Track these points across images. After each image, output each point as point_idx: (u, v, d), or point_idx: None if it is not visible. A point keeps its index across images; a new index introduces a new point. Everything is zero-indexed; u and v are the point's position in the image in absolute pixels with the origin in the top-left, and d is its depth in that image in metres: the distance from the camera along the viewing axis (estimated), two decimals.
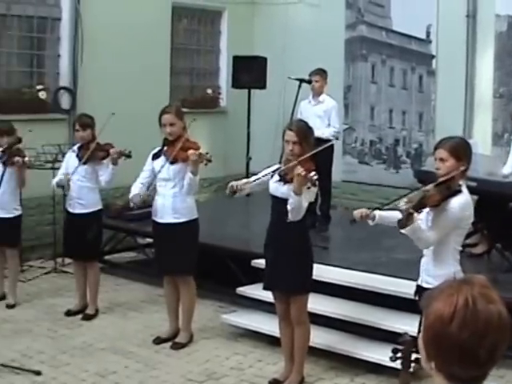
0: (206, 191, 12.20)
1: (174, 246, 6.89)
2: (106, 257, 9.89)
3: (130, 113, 11.00)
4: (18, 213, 8.27)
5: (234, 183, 6.16)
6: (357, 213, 5.40)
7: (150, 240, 9.17)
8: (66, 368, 6.61)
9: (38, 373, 6.42)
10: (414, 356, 3.06)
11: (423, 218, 5.12)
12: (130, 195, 7.03)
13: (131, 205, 7.12)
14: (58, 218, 9.41)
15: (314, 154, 5.89)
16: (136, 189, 7.00)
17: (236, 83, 12.24)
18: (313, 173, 5.53)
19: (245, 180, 6.33)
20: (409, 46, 11.89)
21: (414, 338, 2.64)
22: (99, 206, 7.97)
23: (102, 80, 11.16)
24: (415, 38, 11.76)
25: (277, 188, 5.91)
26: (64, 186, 7.82)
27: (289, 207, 5.66)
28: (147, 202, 7.15)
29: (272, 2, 13.16)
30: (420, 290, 5.29)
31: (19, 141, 7.59)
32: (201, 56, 13.46)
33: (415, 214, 4.88)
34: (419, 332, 2.24)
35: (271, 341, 7.00)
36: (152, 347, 7.13)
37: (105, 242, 9.41)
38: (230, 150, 12.47)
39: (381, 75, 12.28)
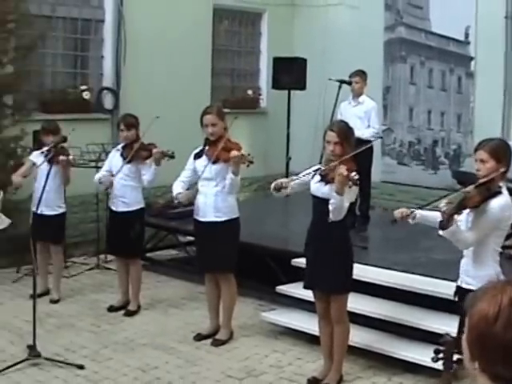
0: (246, 190, 12.30)
1: (215, 244, 6.98)
2: (148, 254, 10.01)
3: (172, 113, 11.14)
4: (62, 210, 8.43)
5: (281, 180, 6.25)
6: (397, 212, 5.46)
7: (190, 238, 9.28)
8: (109, 362, 6.72)
9: (81, 367, 6.53)
10: (455, 357, 3.10)
11: (463, 219, 5.15)
12: (174, 193, 7.11)
13: (175, 202, 7.21)
14: (102, 216, 9.58)
15: (354, 154, 5.95)
16: (178, 187, 7.10)
17: (276, 84, 12.34)
18: (354, 172, 5.59)
19: (289, 178, 6.41)
20: (447, 47, 11.89)
21: (456, 339, 2.68)
22: (142, 205, 8.08)
23: (145, 80, 11.31)
24: (454, 39, 11.75)
25: (318, 188, 5.96)
26: (104, 183, 7.93)
27: (330, 207, 5.71)
28: (191, 200, 7.24)
29: (312, 3, 13.23)
30: (460, 290, 5.32)
31: (65, 140, 7.70)
32: (241, 57, 13.57)
33: (455, 216, 4.92)
34: (459, 333, 2.25)
35: (310, 339, 7.06)
36: (193, 343, 7.21)
37: (147, 239, 9.53)
38: (269, 149, 12.55)
39: (419, 76, 12.29)
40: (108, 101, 11.28)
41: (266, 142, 12.79)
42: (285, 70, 12.09)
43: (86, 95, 11.04)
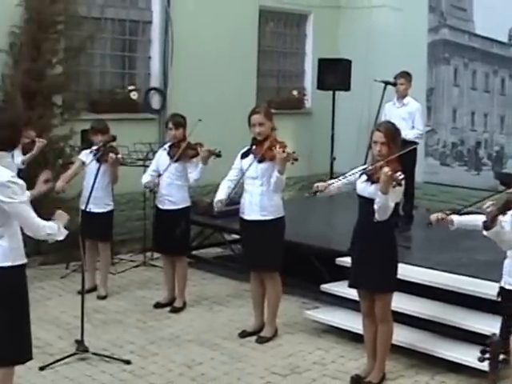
0: (291, 189, 12.38)
1: (260, 242, 7.04)
2: (194, 252, 10.12)
3: (218, 113, 11.29)
4: (110, 208, 8.56)
5: (318, 184, 6.33)
6: (433, 216, 5.54)
7: (236, 236, 9.39)
8: (155, 358, 6.82)
9: (127, 362, 6.64)
10: (501, 357, 3.13)
11: (508, 220, 5.18)
12: (216, 198, 7.21)
13: (215, 209, 7.29)
14: (148, 214, 9.72)
15: (399, 155, 5.99)
16: (223, 191, 7.20)
17: (321, 85, 12.43)
18: (399, 173, 5.64)
19: (328, 182, 6.46)
20: (491, 49, 11.89)
21: (503, 339, 2.73)
22: (188, 203, 8.16)
23: (191, 81, 11.45)
24: (497, 41, 11.76)
25: (364, 188, 6.01)
26: (151, 188, 8.04)
27: (375, 206, 5.75)
28: (234, 200, 7.32)
29: (356, 5, 13.30)
30: (503, 291, 5.34)
31: (114, 139, 7.80)
32: (287, 58, 13.67)
33: (500, 216, 4.95)
34: (501, 333, 2.28)
35: (353, 337, 7.12)
36: (237, 340, 7.29)
37: (192, 237, 9.63)
38: (314, 150, 12.62)
39: (463, 78, 12.30)
40: (155, 101, 11.44)
41: (311, 142, 12.85)
42: (329, 71, 12.18)
43: (134, 95, 11.21)
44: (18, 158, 8.46)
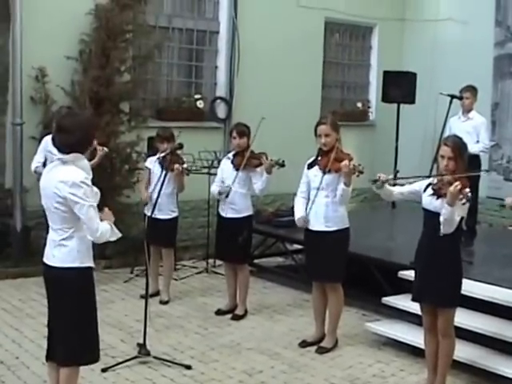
0: (353, 201, 12.36)
1: (324, 253, 7.05)
2: (256, 261, 10.18)
3: (283, 123, 11.36)
4: (174, 215, 8.65)
5: (381, 174, 6.39)
6: (509, 200, 5.50)
7: (298, 246, 9.43)
8: (215, 364, 6.86)
9: (188, 367, 6.70)
10: None
11: None
12: (296, 216, 7.21)
13: (298, 226, 7.29)
14: (212, 221, 9.75)
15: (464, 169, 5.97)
16: (299, 206, 7.21)
17: (385, 97, 12.41)
18: (467, 189, 5.62)
19: (390, 176, 6.48)
20: None
21: None
22: (250, 212, 8.19)
23: (257, 91, 11.54)
24: None
25: (430, 202, 5.99)
26: (226, 195, 8.09)
27: (441, 218, 5.73)
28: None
29: (421, 18, 13.28)
30: None
31: (180, 147, 7.87)
32: (351, 70, 13.70)
33: None
34: None
35: (413, 351, 7.08)
36: (297, 350, 7.30)
37: (255, 246, 9.69)
38: (377, 162, 12.56)
39: None
40: (221, 110, 11.56)
41: (374, 154, 12.84)
42: (394, 83, 12.16)
43: (200, 104, 11.35)
44: None
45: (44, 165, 8.49)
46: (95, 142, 8.56)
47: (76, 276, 4.89)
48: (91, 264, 5.00)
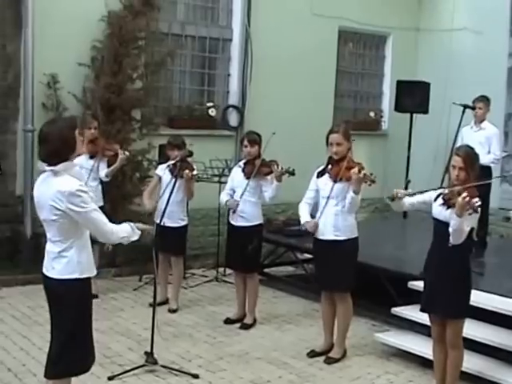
0: (364, 211, 12.33)
1: (333, 263, 7.01)
2: (266, 270, 10.14)
3: (295, 131, 11.35)
4: (184, 223, 8.61)
5: (398, 190, 6.30)
6: None
7: (308, 255, 9.38)
8: (222, 373, 6.82)
9: (195, 376, 6.65)
10: None
11: None
12: (302, 220, 7.16)
13: (302, 228, 7.25)
14: (222, 230, 9.75)
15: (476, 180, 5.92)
16: (305, 212, 7.18)
17: (399, 107, 12.36)
18: (476, 199, 5.56)
19: (407, 191, 6.40)
20: None
21: None
22: (260, 220, 8.15)
23: (269, 99, 11.53)
24: None
25: (440, 212, 5.94)
26: (231, 207, 8.08)
27: (450, 229, 5.69)
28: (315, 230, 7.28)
29: (436, 28, 13.25)
30: None
31: (190, 154, 7.87)
32: (365, 79, 13.67)
33: None
34: None
35: (422, 362, 7.02)
36: (306, 360, 7.26)
37: (265, 255, 9.66)
38: (389, 172, 12.54)
39: None
40: (233, 118, 11.55)
41: (386, 163, 12.80)
42: (408, 93, 12.11)
43: (212, 112, 11.33)
44: (103, 171, 8.64)
45: None
46: (117, 147, 8.67)
47: (75, 288, 4.81)
48: (92, 273, 4.92)
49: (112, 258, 9.88)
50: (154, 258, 6.80)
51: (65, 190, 4.62)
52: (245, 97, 11.61)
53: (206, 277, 10.19)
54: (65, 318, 4.82)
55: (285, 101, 11.80)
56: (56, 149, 4.66)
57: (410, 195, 6.36)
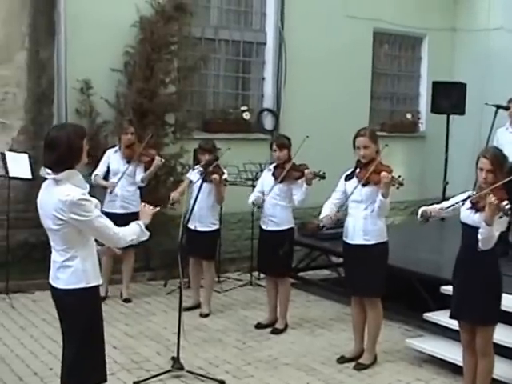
0: (402, 214, 12.22)
1: (363, 267, 6.93)
2: (300, 274, 10.10)
3: (330, 135, 11.30)
4: (215, 227, 8.58)
5: (425, 208, 6.15)
6: None
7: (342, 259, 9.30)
8: (249, 380, 6.76)
9: (221, 382, 6.59)
10: None
11: None
12: (321, 216, 7.13)
13: (320, 225, 7.21)
14: (256, 233, 9.64)
15: (506, 182, 5.78)
16: (327, 209, 7.12)
17: (435, 108, 12.24)
18: (505, 202, 5.42)
19: (438, 206, 6.25)
20: None
21: None
22: (291, 225, 8.10)
23: (304, 102, 11.49)
24: None
25: (468, 216, 5.82)
26: (259, 205, 8.06)
27: (479, 236, 5.56)
28: (340, 221, 7.22)
29: (472, 28, 13.12)
30: None
31: (216, 159, 7.87)
32: (401, 81, 13.57)
33: None
34: None
35: (454, 369, 6.87)
36: (335, 366, 7.17)
37: (299, 259, 9.61)
38: (426, 173, 12.45)
39: None
40: (268, 122, 11.53)
41: (424, 165, 12.70)
42: (444, 94, 11.98)
43: (247, 116, 11.33)
44: (139, 175, 8.69)
45: (105, 178, 8.82)
46: (153, 152, 8.72)
47: (83, 297, 4.74)
48: (98, 282, 4.85)
49: (147, 262, 9.90)
50: (180, 261, 6.79)
51: (66, 199, 4.55)
52: (279, 100, 11.58)
53: (241, 280, 10.17)
54: (74, 329, 4.78)
55: (320, 103, 11.74)
56: (62, 156, 4.58)
57: (442, 210, 6.19)
